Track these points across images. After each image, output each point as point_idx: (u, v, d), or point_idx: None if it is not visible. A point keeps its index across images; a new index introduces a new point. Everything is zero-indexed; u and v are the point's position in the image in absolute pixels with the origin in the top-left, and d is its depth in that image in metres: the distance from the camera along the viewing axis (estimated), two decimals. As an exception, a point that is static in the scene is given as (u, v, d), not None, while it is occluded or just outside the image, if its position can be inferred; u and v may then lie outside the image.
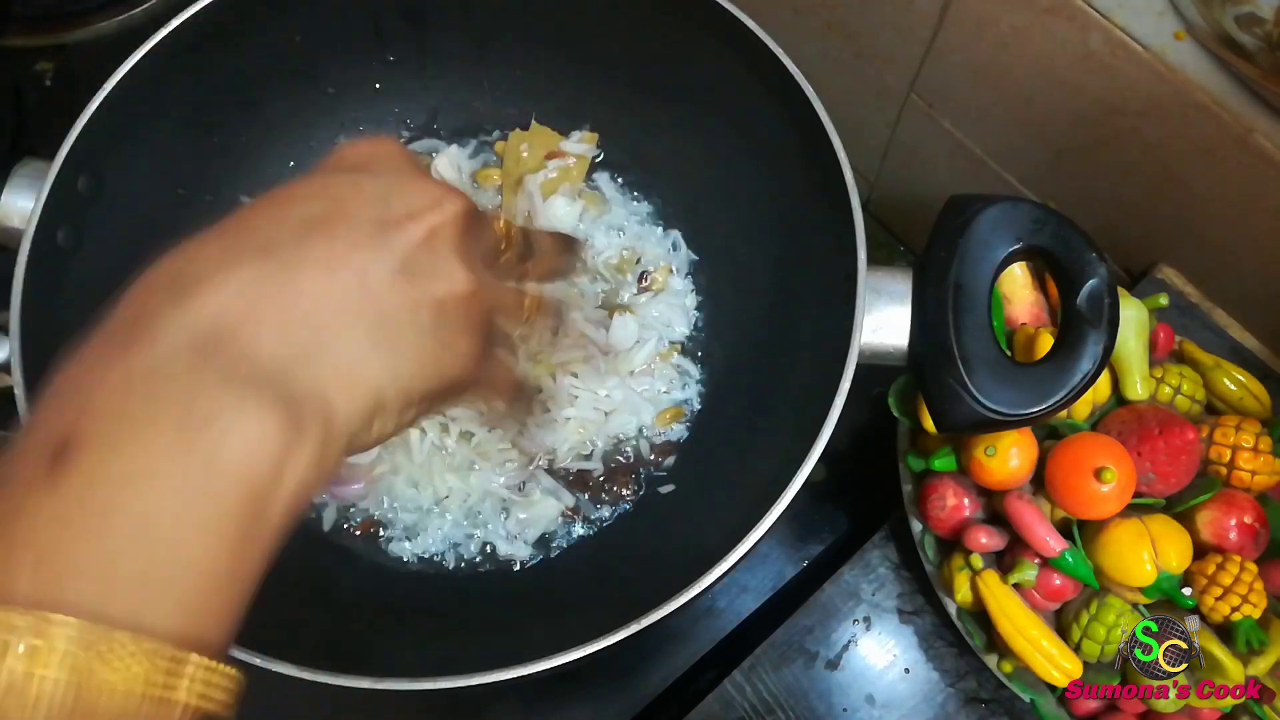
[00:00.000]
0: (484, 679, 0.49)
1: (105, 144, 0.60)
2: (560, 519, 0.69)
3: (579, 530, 0.70)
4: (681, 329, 0.74)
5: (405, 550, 0.69)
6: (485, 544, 0.69)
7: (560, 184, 0.75)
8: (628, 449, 0.71)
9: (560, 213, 0.74)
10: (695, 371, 0.73)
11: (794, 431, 0.56)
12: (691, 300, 0.75)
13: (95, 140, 0.59)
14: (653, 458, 0.71)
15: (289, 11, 0.68)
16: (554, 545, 0.69)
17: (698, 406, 0.73)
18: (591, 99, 0.76)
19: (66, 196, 0.58)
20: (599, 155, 0.78)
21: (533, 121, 0.77)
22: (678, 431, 0.72)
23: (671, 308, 0.74)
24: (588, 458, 0.71)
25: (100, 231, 0.62)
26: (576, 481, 0.70)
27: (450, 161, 0.76)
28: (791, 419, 0.61)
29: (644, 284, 0.74)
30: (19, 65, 0.89)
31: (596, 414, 0.70)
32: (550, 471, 0.70)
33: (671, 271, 0.75)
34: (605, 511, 0.70)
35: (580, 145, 0.76)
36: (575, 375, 0.71)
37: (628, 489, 0.70)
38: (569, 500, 0.70)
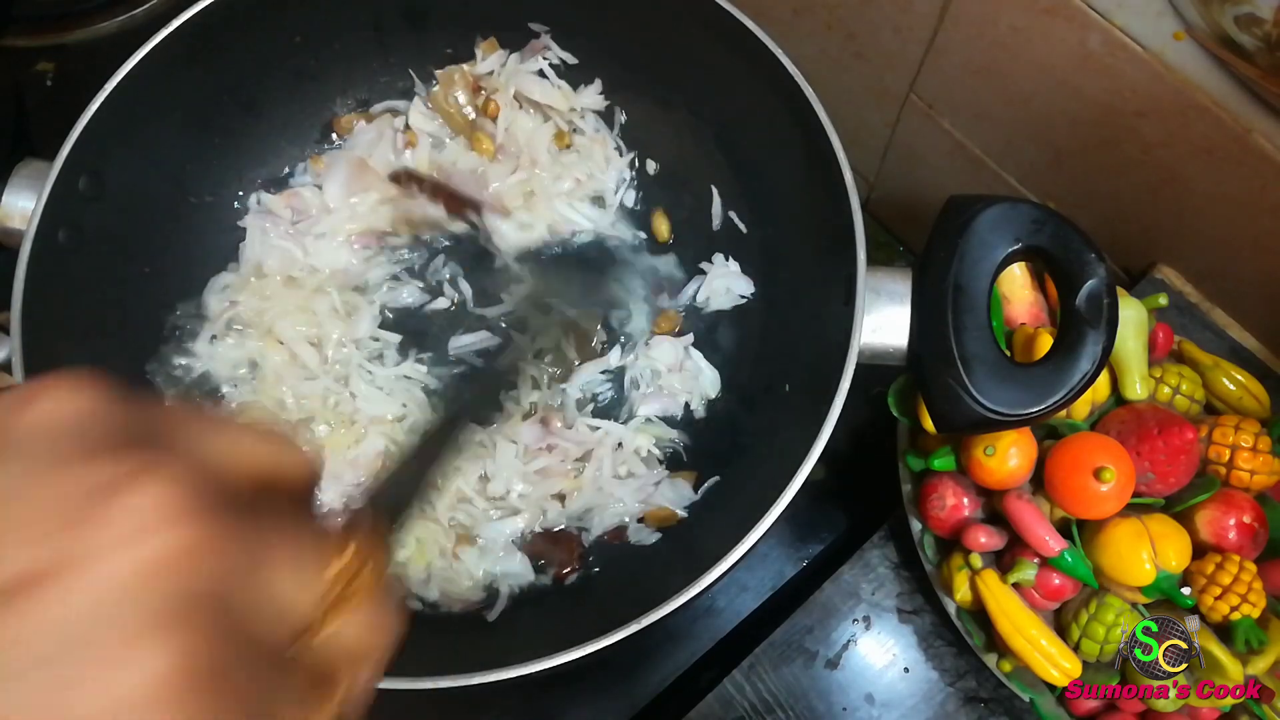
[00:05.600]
0: (484, 679, 0.49)
1: (106, 144, 0.60)
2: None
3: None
4: (743, 292, 0.73)
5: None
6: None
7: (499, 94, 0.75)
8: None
9: (536, 90, 0.74)
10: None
11: (794, 431, 0.56)
12: (743, 285, 0.73)
13: (96, 140, 0.59)
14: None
15: (289, 12, 0.68)
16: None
17: (702, 414, 0.72)
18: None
19: (67, 197, 0.58)
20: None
21: (428, 84, 0.76)
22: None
23: (734, 275, 0.73)
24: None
25: (101, 232, 0.62)
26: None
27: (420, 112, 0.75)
28: (791, 419, 0.61)
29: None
30: (20, 65, 0.89)
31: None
32: None
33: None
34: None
35: (487, 62, 0.75)
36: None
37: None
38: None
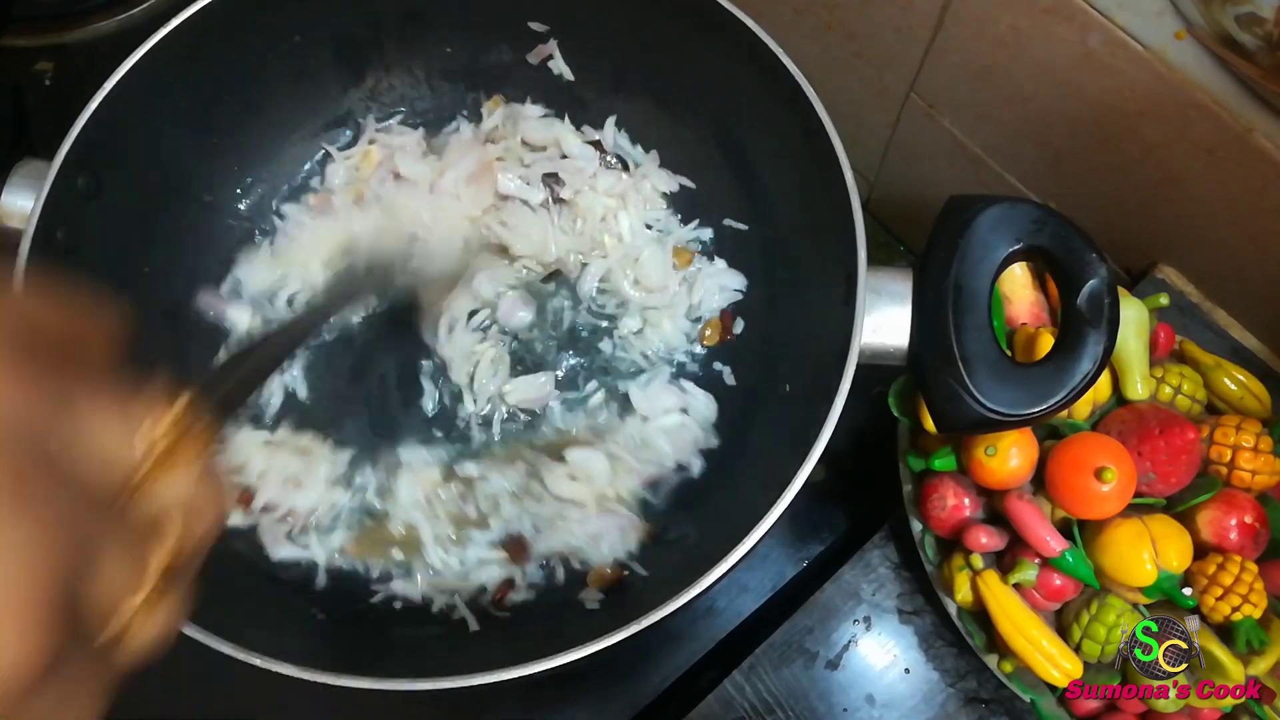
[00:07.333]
0: (484, 679, 0.49)
1: (105, 144, 0.60)
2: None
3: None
4: (737, 287, 0.73)
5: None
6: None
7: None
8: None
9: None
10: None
11: (794, 431, 0.56)
12: (735, 279, 0.74)
13: (95, 140, 0.59)
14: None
15: (288, 11, 0.68)
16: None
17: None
18: (590, 99, 0.76)
19: (66, 196, 0.58)
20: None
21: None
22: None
23: (722, 272, 0.74)
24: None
25: (100, 231, 0.62)
26: None
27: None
28: (791, 419, 0.61)
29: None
30: (19, 65, 0.89)
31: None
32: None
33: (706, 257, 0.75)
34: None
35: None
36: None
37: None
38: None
